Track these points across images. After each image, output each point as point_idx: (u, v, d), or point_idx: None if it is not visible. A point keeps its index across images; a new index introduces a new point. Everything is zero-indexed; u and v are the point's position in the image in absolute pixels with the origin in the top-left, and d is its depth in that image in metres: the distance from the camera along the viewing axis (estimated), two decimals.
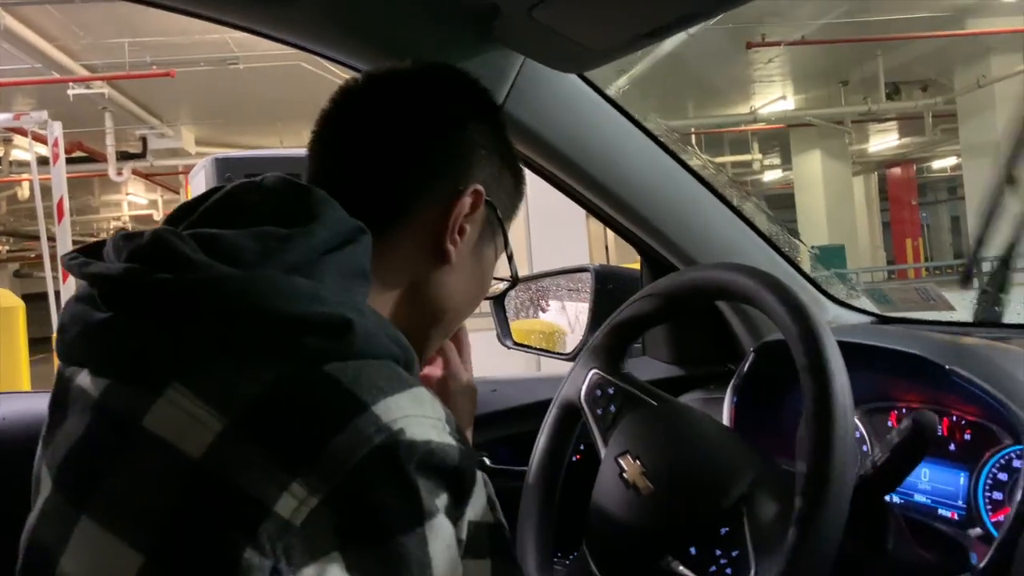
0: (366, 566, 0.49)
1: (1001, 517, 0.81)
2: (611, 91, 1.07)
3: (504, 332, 1.51)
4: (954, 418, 0.87)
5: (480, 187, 0.70)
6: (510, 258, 0.77)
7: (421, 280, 0.70)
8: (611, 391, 0.89)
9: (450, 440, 0.54)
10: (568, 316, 1.50)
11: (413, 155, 0.69)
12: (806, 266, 1.27)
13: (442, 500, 0.52)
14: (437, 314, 0.72)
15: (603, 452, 0.84)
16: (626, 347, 0.93)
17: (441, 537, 0.52)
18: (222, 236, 0.56)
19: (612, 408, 0.88)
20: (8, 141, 11.48)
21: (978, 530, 0.82)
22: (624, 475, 0.76)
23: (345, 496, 0.48)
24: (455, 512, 0.54)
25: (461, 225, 0.70)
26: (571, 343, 1.43)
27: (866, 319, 1.24)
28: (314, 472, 0.48)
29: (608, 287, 1.29)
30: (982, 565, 0.72)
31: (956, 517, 0.85)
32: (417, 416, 0.52)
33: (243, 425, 0.49)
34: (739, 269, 0.79)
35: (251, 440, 0.49)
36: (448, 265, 0.70)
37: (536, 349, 1.49)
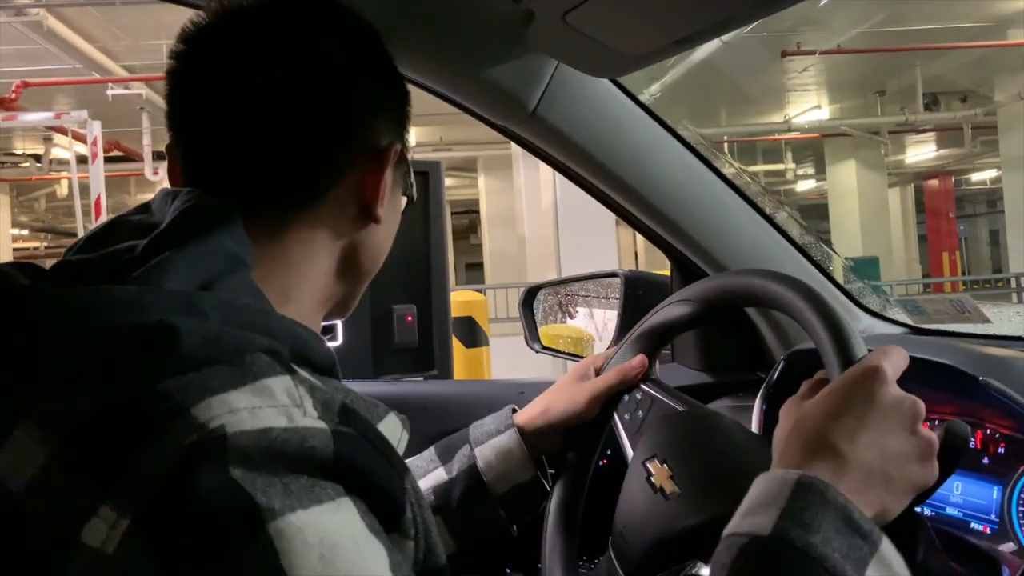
0: None
1: None
2: (644, 97, 1.07)
3: (532, 335, 1.51)
4: (988, 431, 0.86)
5: (398, 144, 0.65)
6: (412, 185, 0.71)
7: (353, 246, 0.65)
8: (639, 396, 0.89)
9: (319, 424, 0.46)
10: (596, 322, 1.50)
11: (315, 128, 0.60)
12: (839, 277, 1.26)
13: (304, 494, 0.43)
14: (372, 270, 0.69)
15: (630, 456, 0.84)
16: (655, 352, 0.93)
17: (307, 541, 0.41)
18: (63, 262, 0.53)
19: (640, 413, 0.88)
20: (49, 139, 11.75)
21: (1011, 545, 0.81)
22: (651, 479, 0.76)
23: (158, 513, 0.41)
24: (358, 513, 0.45)
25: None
26: (598, 349, 1.43)
27: (899, 330, 1.23)
28: (123, 490, 0.42)
29: (637, 293, 1.29)
30: None
31: (988, 531, 0.84)
32: (253, 408, 0.45)
33: (63, 455, 0.44)
34: (771, 276, 0.79)
35: (69, 469, 0.43)
36: (376, 225, 0.65)
37: (563, 353, 1.50)
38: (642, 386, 0.89)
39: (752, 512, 0.54)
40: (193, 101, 0.61)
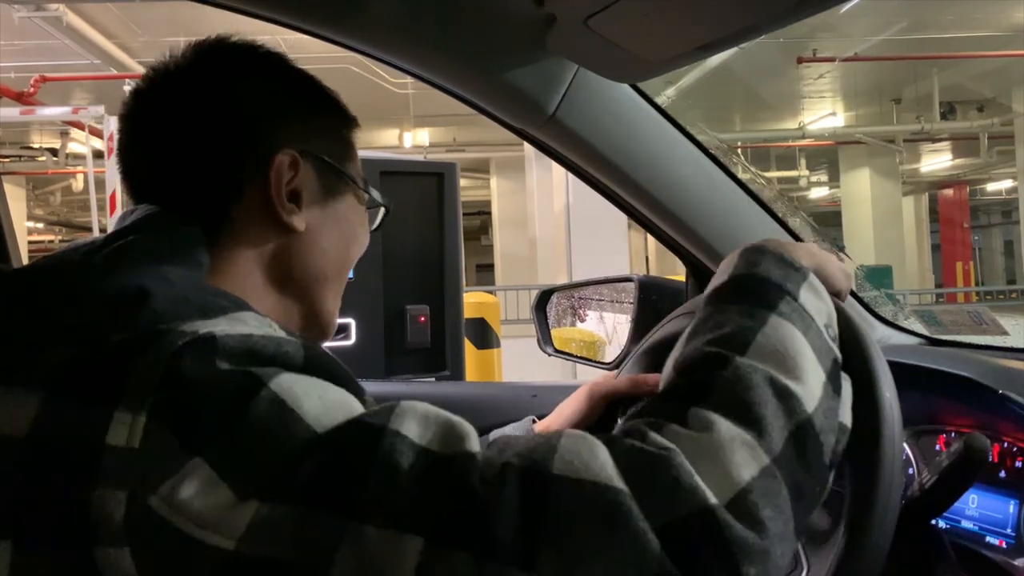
0: (229, 454, 0.45)
1: None
2: (659, 101, 1.07)
3: (545, 339, 1.51)
4: (1005, 444, 0.85)
5: (292, 151, 0.66)
6: (367, 190, 0.74)
7: (283, 256, 0.67)
8: None
9: (294, 340, 0.52)
10: (606, 326, 1.50)
11: (208, 150, 0.65)
12: (853, 285, 1.26)
13: (285, 371, 0.49)
14: (319, 279, 0.70)
15: None
16: (661, 367, 0.93)
17: (305, 389, 0.48)
18: (36, 261, 0.60)
19: None
20: (65, 134, 11.81)
21: None
22: None
23: (169, 401, 0.46)
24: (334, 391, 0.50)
25: (293, 190, 0.66)
26: (610, 353, 1.43)
27: (915, 340, 1.22)
28: (130, 393, 0.47)
29: (651, 298, 1.29)
30: None
31: (1004, 545, 0.83)
32: (234, 327, 0.51)
33: (59, 391, 0.48)
34: None
35: (69, 398, 0.48)
36: (302, 233, 0.67)
37: (576, 357, 1.50)
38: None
39: (714, 281, 0.66)
40: (132, 151, 0.68)
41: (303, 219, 0.67)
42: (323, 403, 0.48)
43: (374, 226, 0.77)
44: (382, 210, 0.78)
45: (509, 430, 0.95)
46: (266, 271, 0.67)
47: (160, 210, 0.63)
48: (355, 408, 0.49)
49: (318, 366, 0.51)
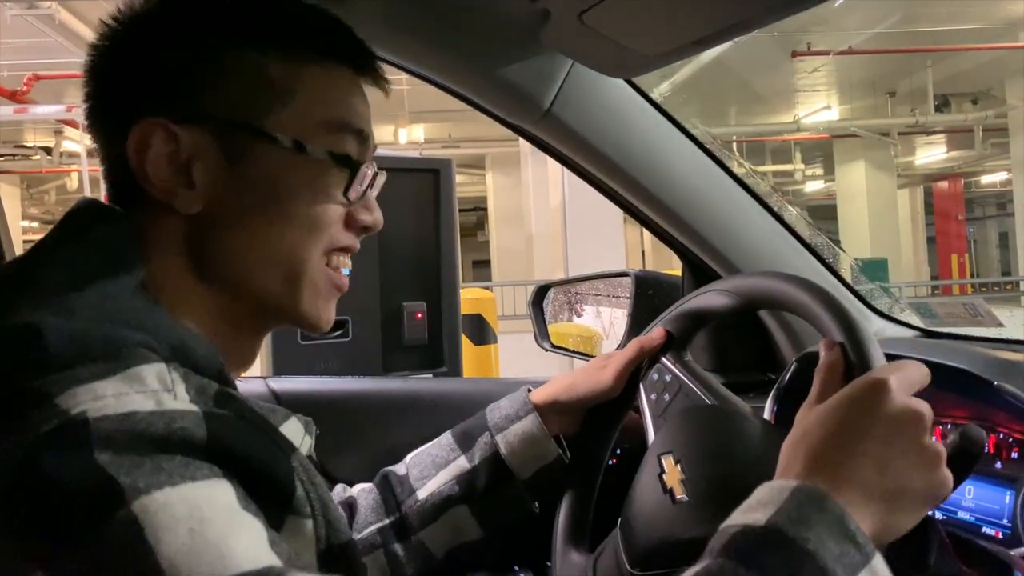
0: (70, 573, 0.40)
1: None
2: (654, 95, 1.07)
3: (542, 334, 1.51)
4: (1001, 435, 0.86)
5: (158, 119, 0.55)
6: (301, 144, 0.58)
7: (196, 245, 0.57)
8: (668, 378, 0.87)
9: (189, 407, 0.45)
10: (603, 321, 1.50)
11: (100, 130, 0.60)
12: (847, 277, 1.26)
13: (177, 471, 0.42)
14: (249, 263, 0.58)
15: (651, 438, 0.83)
16: (690, 336, 0.91)
17: (175, 515, 0.40)
18: None
19: (666, 396, 0.87)
20: (59, 132, 11.79)
21: (1023, 550, 0.81)
22: (663, 476, 0.76)
23: (17, 499, 0.40)
24: (235, 494, 0.43)
25: (183, 163, 0.56)
26: (607, 348, 1.43)
27: (911, 333, 1.22)
28: None
29: (648, 292, 1.29)
30: None
31: (1001, 536, 0.84)
32: (119, 394, 0.44)
33: None
34: (790, 279, 0.78)
35: None
36: (208, 216, 0.56)
37: (573, 352, 1.50)
38: (673, 369, 0.88)
39: (748, 510, 0.53)
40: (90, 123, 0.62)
41: (199, 196, 0.56)
42: (191, 543, 0.40)
43: (363, 185, 0.65)
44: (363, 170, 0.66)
45: (505, 405, 0.93)
46: (191, 266, 0.57)
47: (85, 204, 0.57)
48: (229, 562, 0.40)
49: (224, 442, 0.44)
